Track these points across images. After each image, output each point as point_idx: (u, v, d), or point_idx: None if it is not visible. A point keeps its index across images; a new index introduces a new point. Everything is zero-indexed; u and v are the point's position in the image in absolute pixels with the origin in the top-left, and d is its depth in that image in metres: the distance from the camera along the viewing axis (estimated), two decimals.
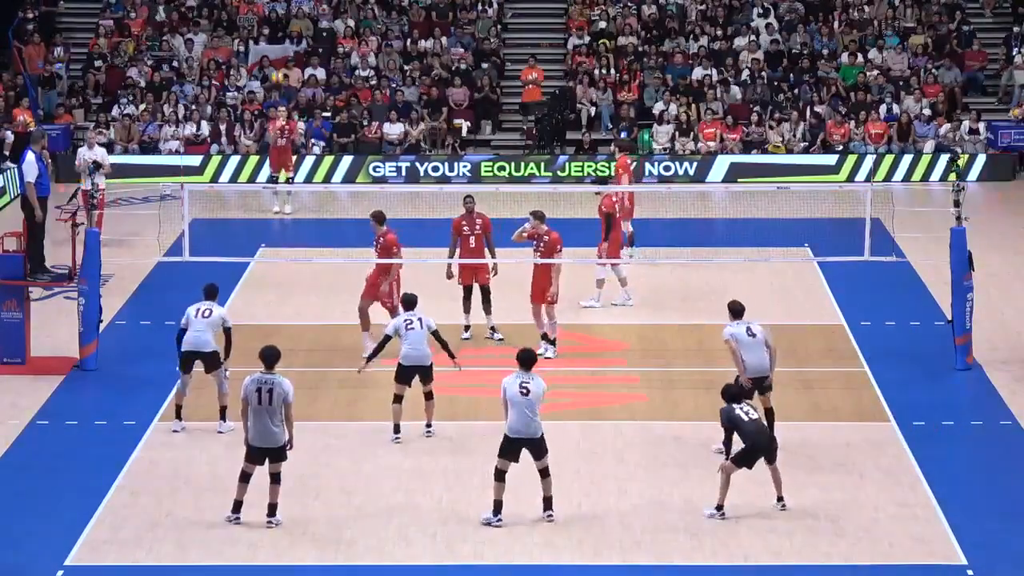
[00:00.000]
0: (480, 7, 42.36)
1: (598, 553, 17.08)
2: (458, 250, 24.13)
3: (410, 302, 20.78)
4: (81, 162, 29.65)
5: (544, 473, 17.76)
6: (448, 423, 20.87)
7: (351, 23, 41.58)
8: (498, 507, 17.70)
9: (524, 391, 17.62)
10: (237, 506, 17.83)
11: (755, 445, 17.75)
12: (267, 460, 17.71)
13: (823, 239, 29.45)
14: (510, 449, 17.69)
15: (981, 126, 38.21)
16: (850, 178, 36.53)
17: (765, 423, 18.43)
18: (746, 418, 17.79)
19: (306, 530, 17.56)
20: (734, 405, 17.94)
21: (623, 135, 38.13)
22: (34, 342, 23.35)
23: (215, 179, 36.29)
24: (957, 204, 23.16)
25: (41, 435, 20.64)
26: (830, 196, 31.71)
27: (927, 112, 38.69)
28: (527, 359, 17.90)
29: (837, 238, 26.79)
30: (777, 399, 20.34)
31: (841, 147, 37.87)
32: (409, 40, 41.22)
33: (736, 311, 19.95)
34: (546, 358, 22.87)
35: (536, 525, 17.67)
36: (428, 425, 20.55)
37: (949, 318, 23.27)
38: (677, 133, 38.16)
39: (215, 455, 19.79)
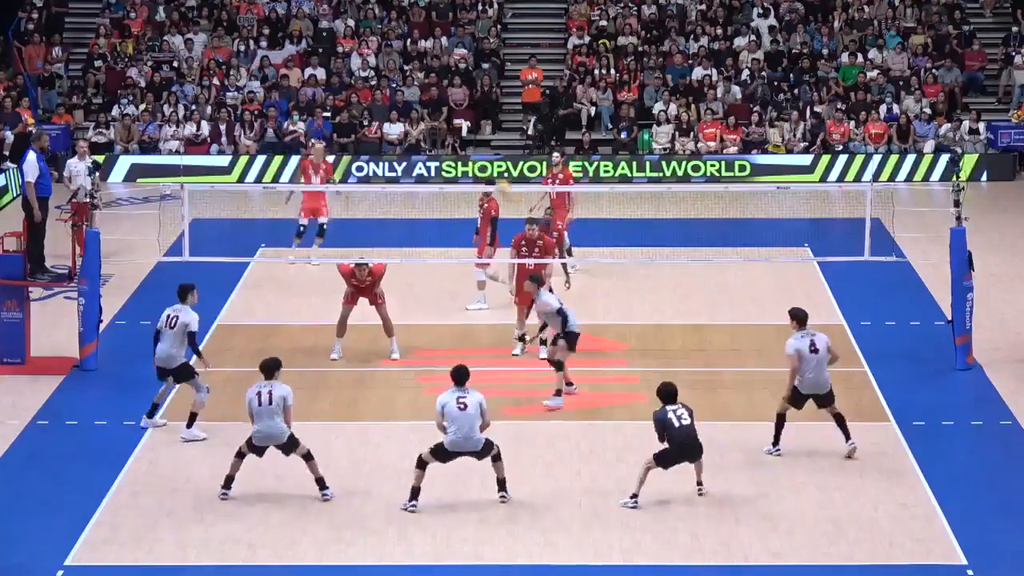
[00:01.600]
0: (480, 7, 42.36)
1: (598, 553, 17.08)
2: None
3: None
4: (70, 172, 28.07)
5: (495, 459, 18.12)
6: None
7: (351, 23, 41.59)
8: (414, 493, 17.99)
9: (462, 406, 17.80)
10: (228, 481, 18.29)
11: (680, 451, 17.99)
12: (283, 452, 18.31)
13: (823, 239, 29.46)
14: (444, 455, 17.98)
15: (981, 126, 38.22)
16: (823, 178, 36.59)
17: (694, 430, 18.11)
18: (676, 424, 17.95)
19: (306, 530, 17.56)
20: (667, 407, 18.06)
21: (623, 135, 38.17)
22: (34, 342, 23.35)
23: (242, 179, 36.46)
24: (957, 204, 23.17)
25: (41, 435, 20.64)
26: (830, 196, 31.70)
27: (927, 112, 38.70)
28: (461, 376, 18.08)
29: (837, 238, 26.79)
30: (777, 399, 20.31)
31: (841, 147, 37.91)
32: (409, 40, 41.23)
33: (801, 318, 19.68)
34: (514, 355, 23.24)
35: (536, 525, 17.67)
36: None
37: (949, 318, 23.27)
38: (677, 133, 38.18)
39: (215, 455, 19.77)
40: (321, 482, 18.30)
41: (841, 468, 19.36)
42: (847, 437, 19.63)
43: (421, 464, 18.04)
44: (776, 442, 19.72)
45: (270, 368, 18.37)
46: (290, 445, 18.28)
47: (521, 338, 23.41)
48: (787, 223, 31.64)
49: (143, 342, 24.39)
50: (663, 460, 18.08)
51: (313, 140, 32.34)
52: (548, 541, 17.32)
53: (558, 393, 21.65)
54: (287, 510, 18.01)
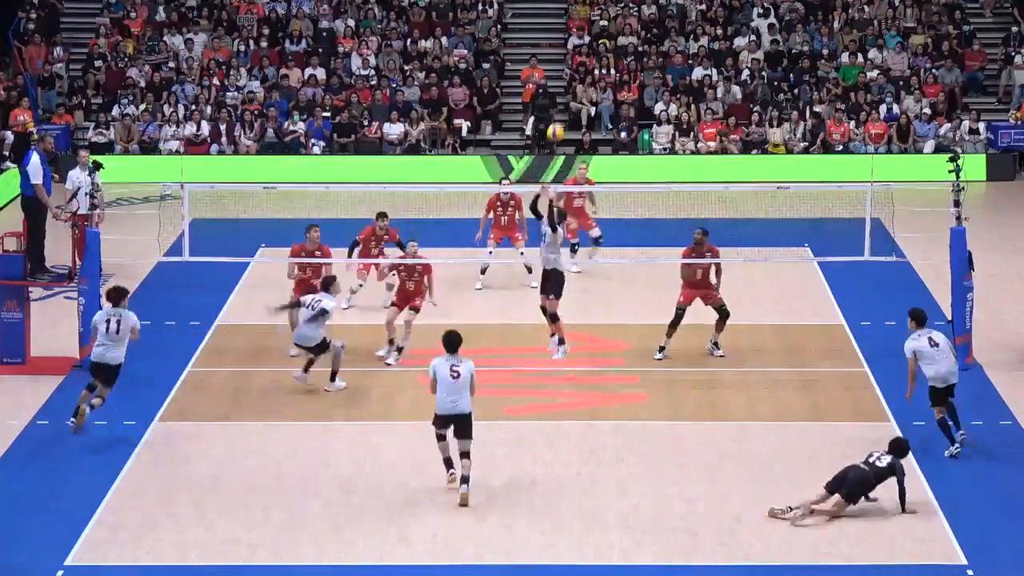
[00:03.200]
0: (480, 7, 42.36)
1: (598, 553, 17.08)
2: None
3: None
4: (72, 185, 26.70)
5: (464, 455, 18.24)
6: None
7: (351, 23, 41.59)
8: (448, 463, 18.46)
9: (455, 375, 18.12)
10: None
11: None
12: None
13: (823, 239, 29.45)
14: (441, 422, 18.34)
15: (981, 126, 38.22)
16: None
17: None
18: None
19: (306, 530, 17.56)
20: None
21: (623, 135, 38.16)
22: (34, 342, 23.35)
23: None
24: (957, 204, 23.17)
25: (41, 435, 20.63)
26: (830, 196, 31.70)
27: (927, 112, 38.70)
28: (453, 343, 18.29)
29: (837, 238, 26.77)
30: (777, 399, 20.35)
31: (841, 147, 37.90)
32: (409, 40, 41.23)
33: (920, 318, 19.97)
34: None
35: (536, 525, 17.67)
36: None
37: (949, 318, 23.27)
38: (677, 133, 38.18)
39: (215, 455, 19.79)
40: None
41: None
42: (957, 427, 19.88)
43: (439, 437, 18.39)
44: (952, 441, 19.76)
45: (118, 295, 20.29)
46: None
47: (393, 343, 23.42)
48: (787, 223, 31.64)
49: (143, 342, 24.42)
50: None
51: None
52: (548, 541, 17.33)
53: (561, 341, 22.21)
54: (287, 510, 18.02)
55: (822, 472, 19.17)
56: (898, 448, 18.30)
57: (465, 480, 18.23)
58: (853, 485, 17.87)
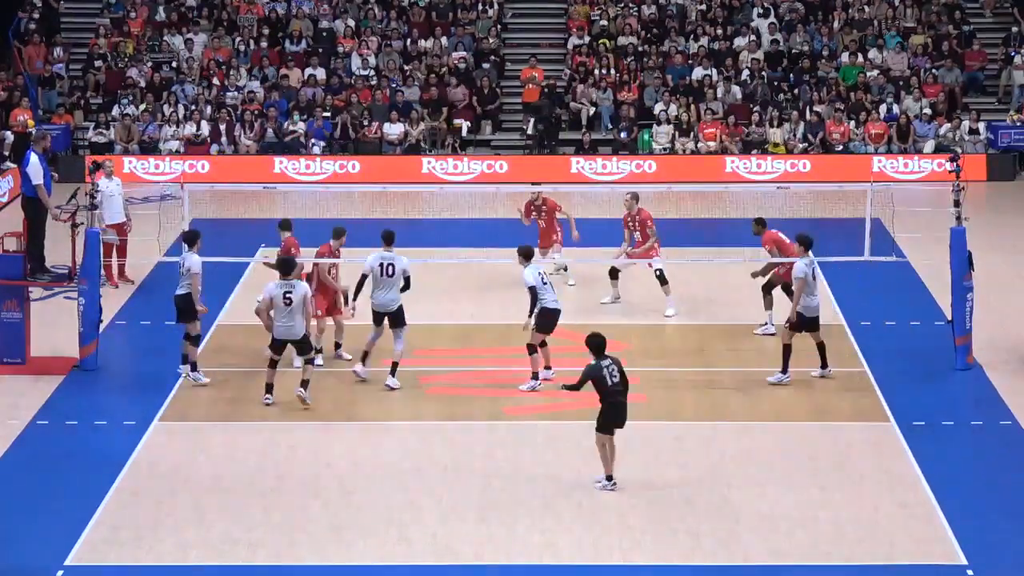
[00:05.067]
0: (480, 7, 42.37)
1: (598, 553, 17.08)
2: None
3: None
4: (102, 194, 25.37)
5: (307, 361, 21.26)
6: (448, 423, 20.88)
7: (351, 23, 41.59)
8: (268, 389, 21.27)
9: (287, 301, 20.51)
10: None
11: (615, 411, 18.44)
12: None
13: (823, 239, 29.42)
14: (274, 345, 21.13)
15: (981, 126, 38.23)
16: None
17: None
18: (609, 381, 18.37)
19: (306, 530, 17.56)
20: (601, 363, 18.45)
21: (623, 135, 38.16)
22: (34, 342, 23.34)
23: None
24: (957, 204, 23.17)
25: (41, 435, 20.63)
26: (830, 196, 31.70)
27: (927, 112, 38.71)
28: (287, 267, 20.76)
29: (837, 238, 26.76)
30: (777, 399, 20.36)
31: (841, 147, 37.91)
32: (409, 40, 41.23)
33: (807, 243, 20.89)
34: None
35: (536, 525, 17.67)
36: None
37: (949, 318, 23.27)
38: (677, 133, 38.18)
39: (215, 455, 19.79)
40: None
41: (841, 468, 19.37)
42: (824, 365, 22.15)
43: (272, 364, 20.94)
44: (785, 370, 21.68)
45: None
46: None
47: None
48: (787, 223, 31.56)
49: (143, 342, 24.45)
50: (603, 427, 18.49)
51: None
52: (548, 541, 17.32)
53: (534, 376, 22.00)
54: (287, 510, 18.01)
55: (822, 472, 19.20)
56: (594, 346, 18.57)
57: (304, 384, 20.89)
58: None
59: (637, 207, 25.65)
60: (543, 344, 22.10)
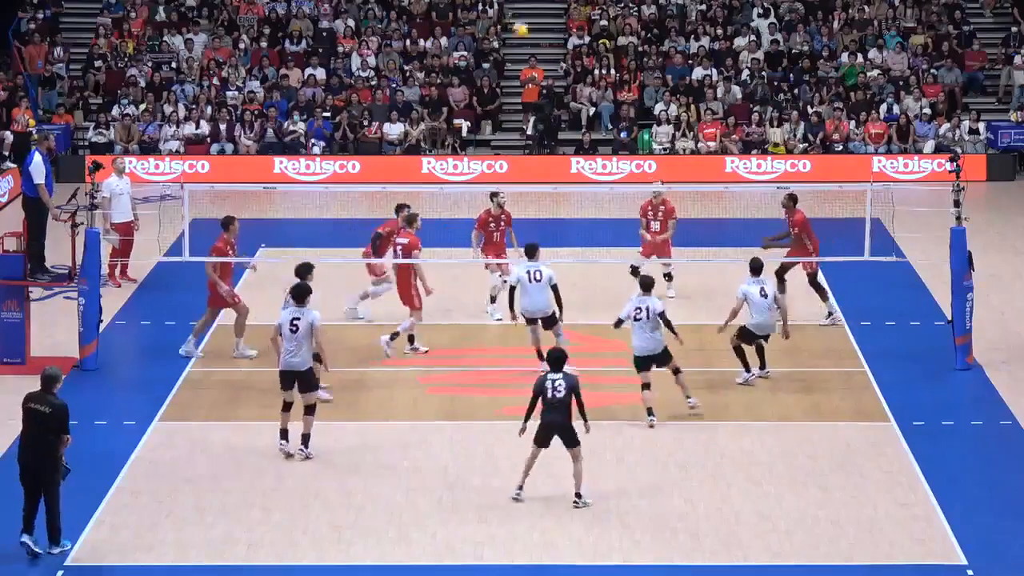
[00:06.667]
0: (480, 7, 42.36)
1: (598, 553, 17.08)
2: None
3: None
4: (111, 192, 26.73)
5: (308, 411, 19.85)
6: (448, 423, 20.87)
7: (351, 23, 41.59)
8: (283, 434, 19.79)
9: (294, 328, 19.38)
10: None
11: (542, 425, 18.20)
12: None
13: (823, 239, 29.41)
14: (283, 378, 19.79)
15: (981, 126, 38.23)
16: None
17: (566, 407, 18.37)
18: (550, 394, 18.18)
19: (306, 530, 17.56)
20: (549, 375, 18.28)
21: (623, 135, 38.16)
22: (34, 342, 23.34)
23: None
24: (957, 204, 23.17)
25: None
26: (830, 196, 31.68)
27: (927, 112, 38.71)
28: (301, 293, 19.75)
29: (837, 238, 26.75)
30: (777, 399, 20.33)
31: (841, 147, 37.92)
32: (409, 40, 41.23)
33: (756, 270, 21.21)
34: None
35: (536, 525, 17.66)
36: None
37: (949, 318, 23.27)
38: (677, 133, 38.18)
39: (215, 455, 19.78)
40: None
41: (841, 468, 19.36)
42: (763, 367, 22.49)
43: (285, 407, 19.61)
44: (748, 368, 22.27)
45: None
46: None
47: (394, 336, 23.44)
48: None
49: (143, 342, 24.44)
50: (536, 439, 18.27)
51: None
52: (548, 541, 17.32)
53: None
54: (287, 510, 18.01)
55: (822, 472, 19.19)
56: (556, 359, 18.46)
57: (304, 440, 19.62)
58: None
59: (662, 197, 26.41)
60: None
